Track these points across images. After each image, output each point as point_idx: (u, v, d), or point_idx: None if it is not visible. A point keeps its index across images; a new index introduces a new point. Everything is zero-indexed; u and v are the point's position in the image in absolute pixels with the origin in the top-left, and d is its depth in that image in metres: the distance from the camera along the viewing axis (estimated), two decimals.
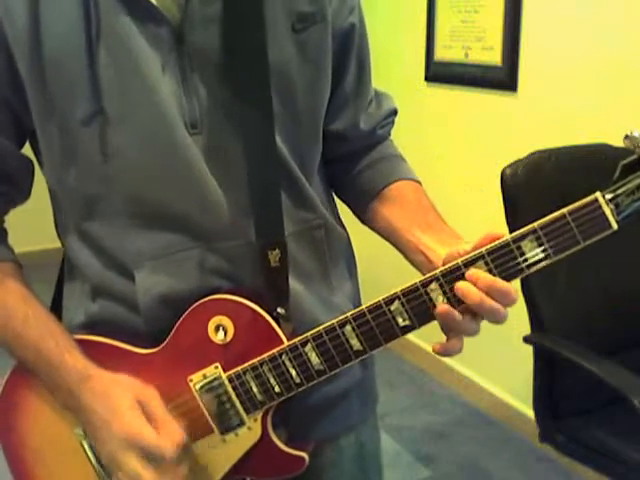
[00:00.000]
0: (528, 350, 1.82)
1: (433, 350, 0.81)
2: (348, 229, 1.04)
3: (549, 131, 2.30)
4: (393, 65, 2.92)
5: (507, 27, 2.40)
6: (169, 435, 0.83)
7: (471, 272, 0.77)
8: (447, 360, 2.90)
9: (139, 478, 0.83)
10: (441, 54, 2.74)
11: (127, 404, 0.85)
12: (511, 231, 0.76)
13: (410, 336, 0.82)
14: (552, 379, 1.79)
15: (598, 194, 0.74)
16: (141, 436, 0.83)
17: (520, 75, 2.40)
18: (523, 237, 0.75)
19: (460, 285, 0.77)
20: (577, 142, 1.93)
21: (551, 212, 0.75)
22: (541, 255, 0.75)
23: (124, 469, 0.84)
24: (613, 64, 2.10)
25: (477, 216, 2.31)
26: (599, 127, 2.09)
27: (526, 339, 1.76)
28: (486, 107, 2.58)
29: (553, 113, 2.30)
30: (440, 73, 2.76)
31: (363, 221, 1.03)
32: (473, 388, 2.83)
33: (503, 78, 2.45)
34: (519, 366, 2.18)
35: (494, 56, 2.47)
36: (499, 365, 2.65)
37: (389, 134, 1.07)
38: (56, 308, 1.01)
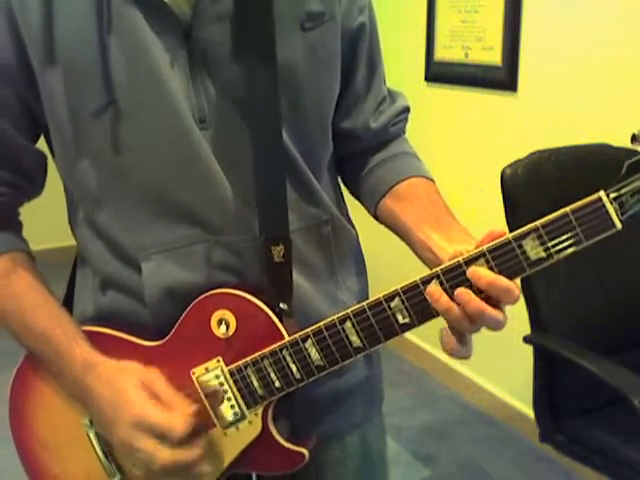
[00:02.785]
0: (528, 350, 1.82)
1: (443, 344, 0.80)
2: None
3: (549, 131, 2.30)
4: (393, 65, 2.91)
5: (507, 27, 2.40)
6: (178, 412, 0.84)
7: (472, 269, 0.76)
8: (447, 360, 2.90)
9: (154, 458, 0.83)
10: (441, 54, 2.74)
11: (132, 387, 0.86)
12: (511, 231, 0.75)
13: (411, 336, 0.82)
14: (552, 379, 1.79)
15: (602, 193, 0.72)
16: (149, 415, 0.83)
17: (520, 75, 2.40)
18: (525, 235, 0.75)
19: (460, 291, 0.76)
20: (577, 142, 1.93)
21: (551, 212, 0.74)
22: (543, 254, 0.75)
23: (138, 451, 0.84)
24: (613, 64, 2.10)
25: (477, 216, 2.30)
26: (599, 127, 2.09)
27: (526, 339, 1.76)
28: (486, 107, 2.58)
29: (553, 113, 2.30)
30: (440, 73, 2.76)
31: (375, 218, 1.03)
32: (473, 388, 2.83)
33: (503, 78, 2.45)
34: (519, 366, 2.18)
35: (494, 56, 2.47)
36: (499, 365, 2.65)
37: (403, 131, 1.07)
38: (69, 302, 1.02)
